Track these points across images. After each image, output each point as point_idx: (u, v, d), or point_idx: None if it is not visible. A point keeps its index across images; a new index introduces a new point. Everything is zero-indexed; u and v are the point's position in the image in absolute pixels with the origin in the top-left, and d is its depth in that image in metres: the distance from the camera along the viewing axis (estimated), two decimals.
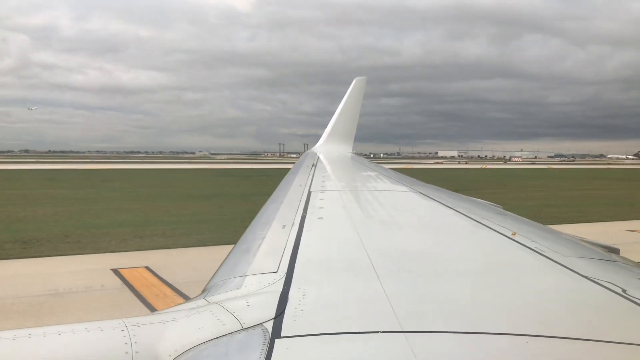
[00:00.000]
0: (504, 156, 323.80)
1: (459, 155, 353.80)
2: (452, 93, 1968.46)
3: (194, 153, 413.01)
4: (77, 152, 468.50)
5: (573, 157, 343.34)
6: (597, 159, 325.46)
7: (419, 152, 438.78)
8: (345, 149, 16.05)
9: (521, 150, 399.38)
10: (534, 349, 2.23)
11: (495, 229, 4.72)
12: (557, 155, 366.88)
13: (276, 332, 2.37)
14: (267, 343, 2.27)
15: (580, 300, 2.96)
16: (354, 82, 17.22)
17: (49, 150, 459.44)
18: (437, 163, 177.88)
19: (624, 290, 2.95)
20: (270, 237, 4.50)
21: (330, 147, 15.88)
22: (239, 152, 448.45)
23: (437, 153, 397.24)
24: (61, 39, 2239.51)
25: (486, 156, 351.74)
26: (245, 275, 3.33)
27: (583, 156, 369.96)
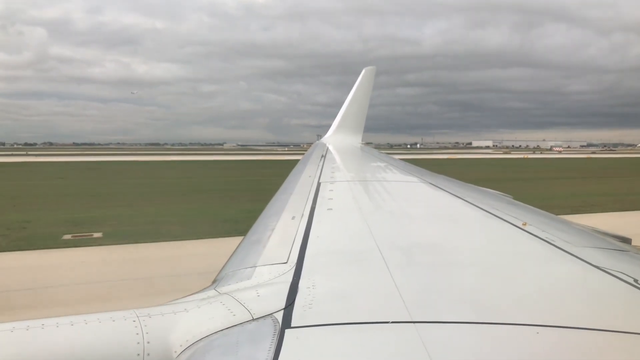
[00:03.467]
0: (537, 146, 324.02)
1: (494, 146, 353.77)
2: (470, 82, 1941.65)
3: (222, 145, 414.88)
4: (98, 144, 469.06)
5: (605, 146, 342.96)
6: (629, 147, 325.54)
7: (437, 142, 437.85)
8: (354, 140, 16.08)
9: (543, 140, 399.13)
10: (545, 338, 2.23)
11: (506, 219, 4.71)
12: (589, 145, 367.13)
13: (286, 323, 2.39)
14: (277, 333, 2.28)
15: (590, 291, 2.95)
16: (363, 72, 17.06)
17: (73, 143, 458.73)
18: (506, 152, 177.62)
19: (635, 280, 2.93)
20: (280, 228, 4.51)
21: (339, 138, 15.98)
22: (265, 144, 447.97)
23: (470, 143, 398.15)
24: (77, 32, 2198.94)
25: (520, 146, 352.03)
26: (256, 266, 3.36)
27: (615, 145, 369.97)
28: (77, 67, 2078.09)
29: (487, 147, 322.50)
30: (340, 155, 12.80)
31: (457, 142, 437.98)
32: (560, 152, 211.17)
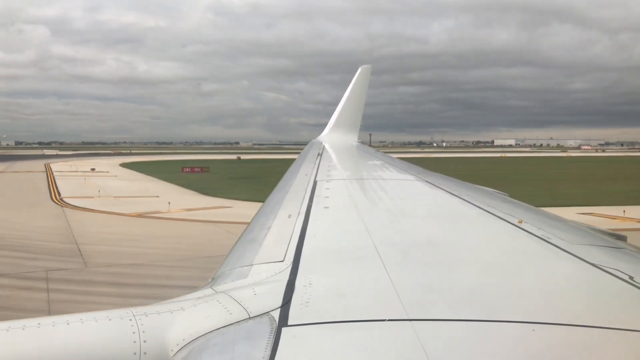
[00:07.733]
0: (558, 144, 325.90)
1: (516, 144, 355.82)
2: (473, 81, 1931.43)
3: (238, 143, 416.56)
4: (104, 143, 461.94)
5: (622, 144, 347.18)
6: None
7: (442, 141, 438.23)
8: (350, 138, 15.92)
9: (550, 139, 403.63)
10: (541, 336, 2.23)
11: (502, 217, 4.68)
12: (607, 143, 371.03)
13: (283, 321, 2.38)
14: (274, 331, 2.27)
15: (586, 288, 2.95)
16: (359, 70, 16.93)
17: (82, 142, 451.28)
18: (563, 151, 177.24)
19: (630, 277, 2.92)
20: (276, 226, 4.50)
21: (335, 136, 15.84)
22: (279, 143, 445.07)
23: (493, 142, 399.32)
24: (78, 31, 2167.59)
25: (541, 145, 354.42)
26: (252, 265, 3.35)
27: (632, 143, 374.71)
28: (78, 66, 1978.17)
29: (510, 146, 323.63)
30: (337, 153, 12.71)
31: (492, 141, 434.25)
32: (596, 150, 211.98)
